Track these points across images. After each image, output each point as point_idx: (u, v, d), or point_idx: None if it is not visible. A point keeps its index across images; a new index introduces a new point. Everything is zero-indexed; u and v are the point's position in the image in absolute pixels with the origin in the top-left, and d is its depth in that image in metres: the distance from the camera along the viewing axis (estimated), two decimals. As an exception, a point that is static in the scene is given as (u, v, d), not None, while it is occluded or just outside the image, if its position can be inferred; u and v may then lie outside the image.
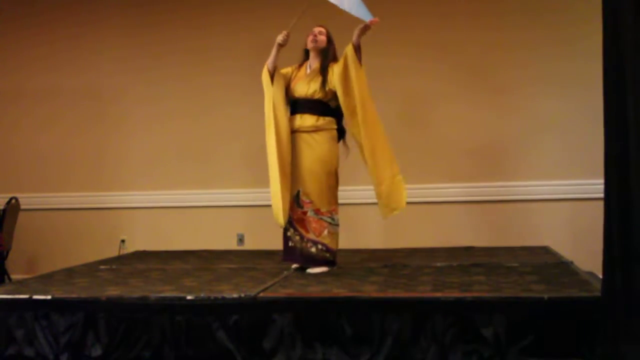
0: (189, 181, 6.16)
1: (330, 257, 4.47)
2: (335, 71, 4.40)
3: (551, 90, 5.63)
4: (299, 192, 4.45)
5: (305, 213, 4.44)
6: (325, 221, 4.46)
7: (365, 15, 4.22)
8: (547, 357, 3.26)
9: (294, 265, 4.52)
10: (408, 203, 5.71)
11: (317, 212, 4.44)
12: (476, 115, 5.74)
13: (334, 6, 4.28)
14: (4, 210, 5.71)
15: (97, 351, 3.60)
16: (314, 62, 4.52)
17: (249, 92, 5.66)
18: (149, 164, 6.22)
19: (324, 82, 4.44)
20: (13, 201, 5.81)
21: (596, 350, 3.15)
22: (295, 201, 4.45)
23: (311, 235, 4.44)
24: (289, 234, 4.49)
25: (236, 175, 6.02)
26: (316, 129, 4.45)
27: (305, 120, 4.46)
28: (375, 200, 5.69)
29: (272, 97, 4.44)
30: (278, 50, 4.43)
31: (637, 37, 2.85)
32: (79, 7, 6.33)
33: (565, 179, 5.59)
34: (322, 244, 4.44)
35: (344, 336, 3.42)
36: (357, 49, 4.37)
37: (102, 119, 6.29)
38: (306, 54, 4.58)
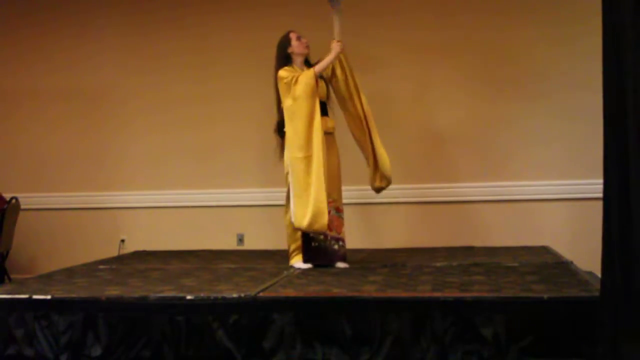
0: (189, 181, 6.16)
1: (346, 253, 4.66)
2: (340, 77, 4.70)
3: (551, 90, 5.62)
4: None
5: (329, 212, 4.49)
6: (342, 218, 4.67)
7: None
8: (547, 357, 3.26)
9: (303, 266, 4.58)
10: (409, 203, 5.80)
11: (337, 210, 4.65)
12: (475, 115, 5.73)
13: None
14: (4, 210, 5.71)
15: (97, 351, 3.60)
16: (303, 66, 4.68)
17: (249, 93, 5.67)
18: (149, 164, 6.22)
19: (327, 86, 4.71)
20: (13, 201, 5.81)
21: (596, 350, 3.15)
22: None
23: (334, 233, 4.60)
24: (311, 234, 4.54)
25: (236, 175, 6.02)
26: (333, 130, 4.72)
27: (328, 122, 4.66)
28: (374, 200, 5.72)
29: (317, 103, 4.50)
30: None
31: (637, 36, 2.84)
32: (81, 7, 6.33)
33: (565, 179, 5.59)
34: (342, 240, 4.65)
35: (344, 336, 3.42)
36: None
37: (102, 119, 6.29)
38: (287, 58, 4.66)
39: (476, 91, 5.73)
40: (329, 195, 4.45)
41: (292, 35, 4.70)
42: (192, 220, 6.12)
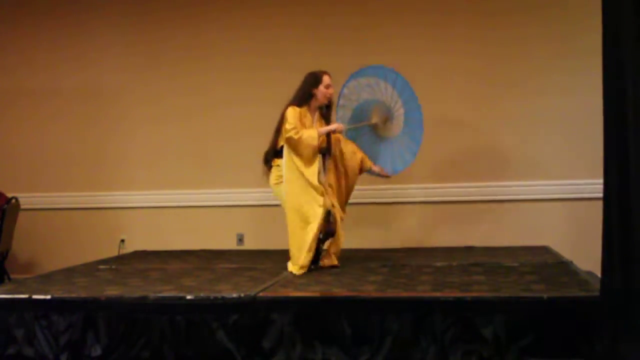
0: (189, 181, 6.15)
1: None
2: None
3: (551, 90, 5.62)
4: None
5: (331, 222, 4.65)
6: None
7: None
8: (547, 357, 3.27)
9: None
10: (409, 203, 5.79)
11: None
12: (475, 115, 5.73)
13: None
14: (4, 210, 5.71)
15: (96, 351, 3.61)
16: (316, 112, 4.60)
17: (249, 92, 5.67)
18: (148, 164, 6.21)
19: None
20: (13, 201, 5.80)
21: (596, 349, 3.15)
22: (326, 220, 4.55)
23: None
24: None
25: (236, 175, 6.01)
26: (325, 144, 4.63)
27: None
28: (375, 200, 5.72)
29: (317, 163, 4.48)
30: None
31: (637, 36, 2.85)
32: (78, 6, 6.32)
33: (565, 179, 5.59)
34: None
35: (344, 336, 3.42)
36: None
37: (102, 118, 6.29)
38: (309, 96, 4.55)
39: (476, 91, 5.72)
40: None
41: (325, 79, 4.53)
42: (192, 220, 6.12)
